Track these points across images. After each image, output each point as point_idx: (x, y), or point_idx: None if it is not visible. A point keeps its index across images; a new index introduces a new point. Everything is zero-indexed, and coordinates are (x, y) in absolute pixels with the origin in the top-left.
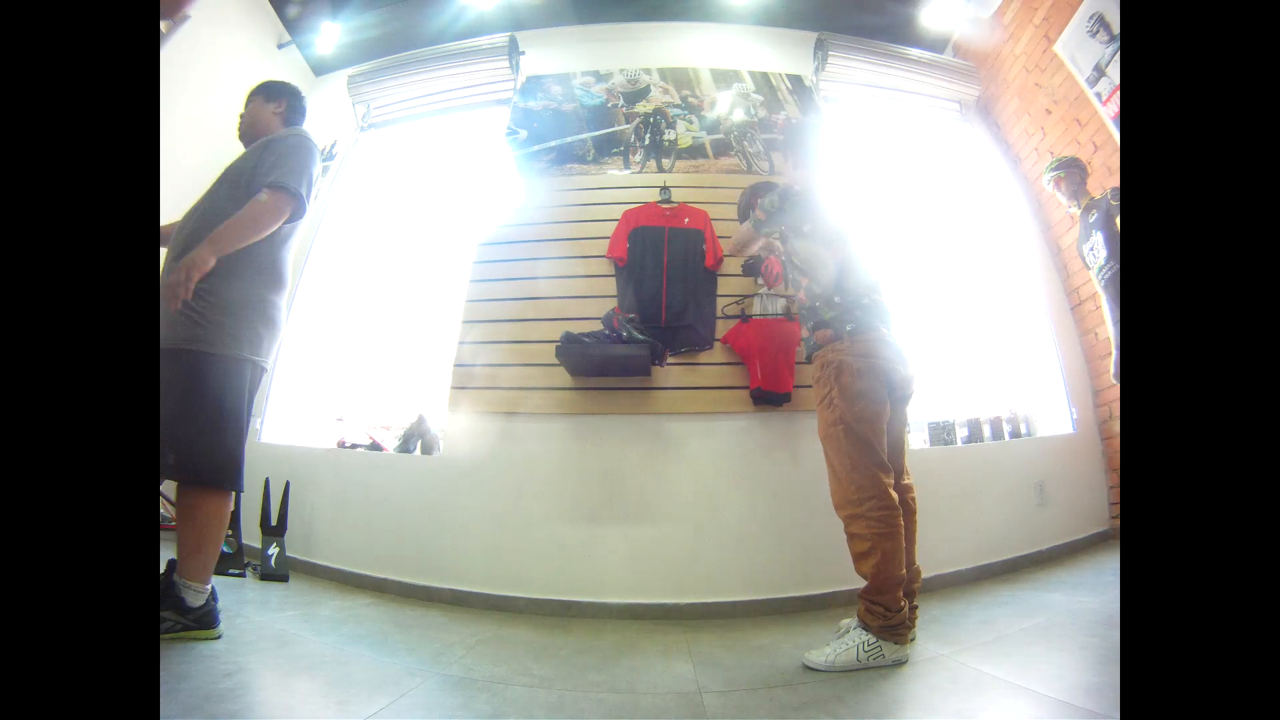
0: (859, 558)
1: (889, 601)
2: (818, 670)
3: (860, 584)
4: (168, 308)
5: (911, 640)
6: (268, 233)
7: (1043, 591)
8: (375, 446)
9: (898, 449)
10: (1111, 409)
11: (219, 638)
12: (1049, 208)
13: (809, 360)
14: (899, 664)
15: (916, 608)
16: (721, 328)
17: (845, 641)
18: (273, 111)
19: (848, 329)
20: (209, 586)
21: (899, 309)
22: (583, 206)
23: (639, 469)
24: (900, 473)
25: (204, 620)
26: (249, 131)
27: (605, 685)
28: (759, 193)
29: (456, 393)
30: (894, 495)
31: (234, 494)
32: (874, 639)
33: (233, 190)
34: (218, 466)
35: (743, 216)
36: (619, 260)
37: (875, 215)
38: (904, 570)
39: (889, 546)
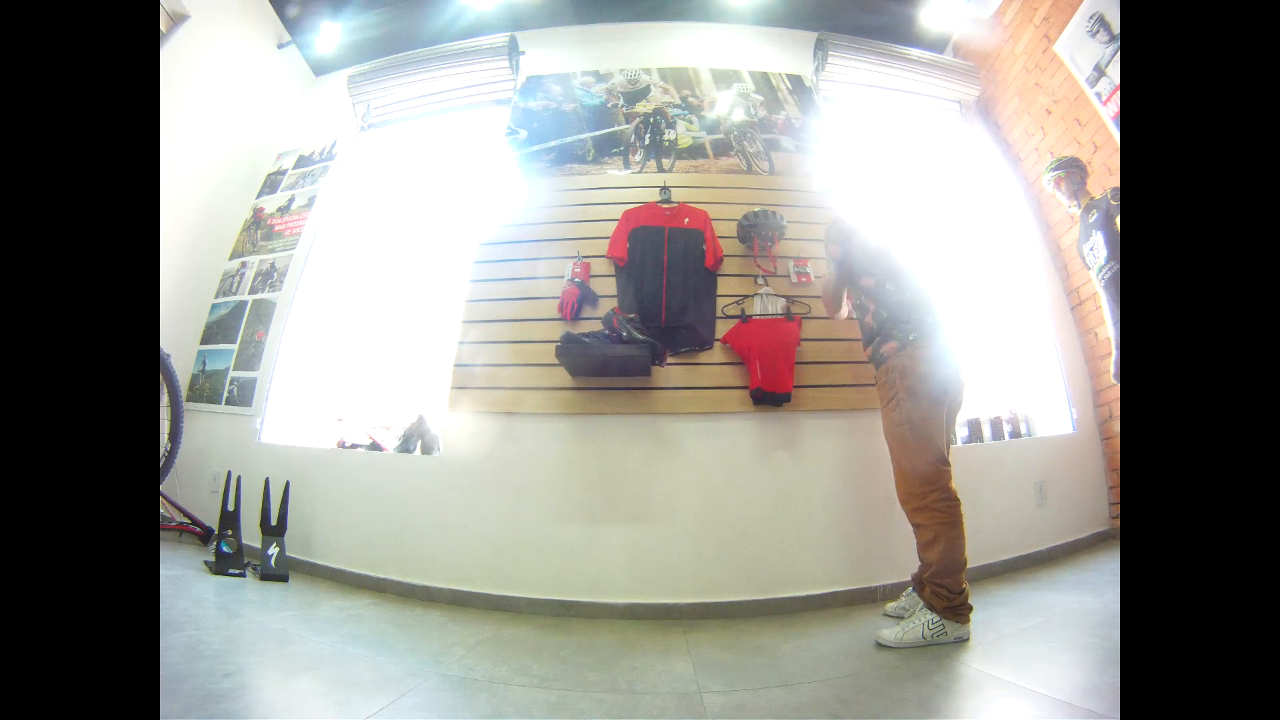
0: (924, 546)
1: (952, 584)
2: (888, 647)
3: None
4: None
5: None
6: None
7: (1043, 591)
8: (375, 446)
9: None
10: (1111, 409)
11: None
12: (1049, 208)
13: (876, 368)
14: (961, 641)
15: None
16: (721, 328)
17: (913, 622)
18: None
19: (910, 338)
20: None
21: (954, 320)
22: (583, 206)
23: (639, 469)
24: None
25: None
26: None
27: (605, 685)
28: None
29: (456, 393)
30: (955, 487)
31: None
32: (938, 619)
33: None
34: None
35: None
36: (619, 260)
37: (900, 226)
38: (965, 556)
39: (952, 534)
